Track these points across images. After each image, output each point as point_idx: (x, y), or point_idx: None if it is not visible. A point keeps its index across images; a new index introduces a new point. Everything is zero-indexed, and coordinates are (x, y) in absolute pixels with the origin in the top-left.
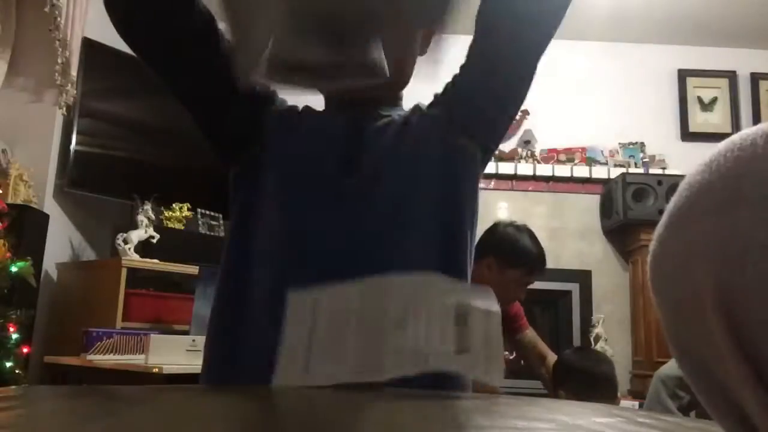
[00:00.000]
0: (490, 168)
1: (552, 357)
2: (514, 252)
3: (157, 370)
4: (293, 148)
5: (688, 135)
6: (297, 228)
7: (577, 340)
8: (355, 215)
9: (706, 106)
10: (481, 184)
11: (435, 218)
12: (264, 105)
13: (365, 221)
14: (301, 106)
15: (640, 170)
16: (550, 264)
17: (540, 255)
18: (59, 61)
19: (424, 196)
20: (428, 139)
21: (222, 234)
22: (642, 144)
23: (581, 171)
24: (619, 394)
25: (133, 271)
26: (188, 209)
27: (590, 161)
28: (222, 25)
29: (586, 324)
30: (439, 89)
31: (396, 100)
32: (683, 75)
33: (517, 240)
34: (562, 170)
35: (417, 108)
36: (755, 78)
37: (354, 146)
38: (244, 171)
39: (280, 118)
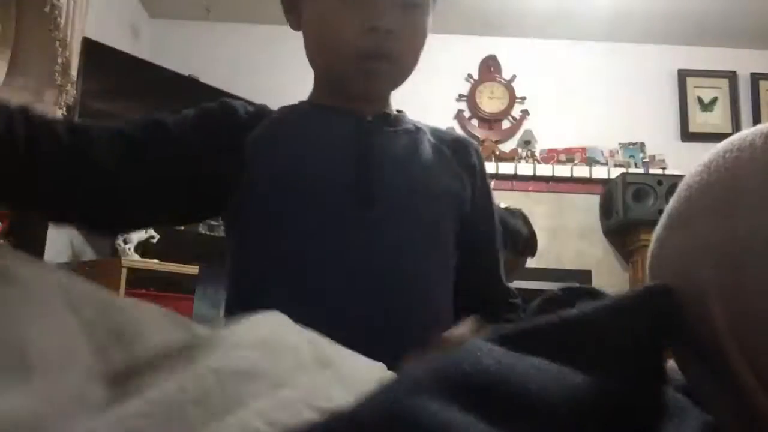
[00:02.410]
0: (490, 168)
1: None
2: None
3: None
4: (299, 167)
5: (688, 135)
6: (315, 251)
7: None
8: (373, 238)
9: (706, 106)
10: None
11: (435, 238)
12: (232, 155)
13: (383, 244)
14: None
15: (640, 170)
16: (551, 264)
17: (530, 237)
18: (59, 61)
19: (429, 222)
20: (439, 175)
21: (222, 234)
22: (642, 144)
23: (581, 171)
24: None
25: (133, 271)
26: None
27: (590, 161)
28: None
29: None
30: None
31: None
32: (683, 75)
33: (506, 222)
34: (562, 170)
35: (420, 130)
36: (755, 78)
37: (365, 165)
38: (240, 200)
39: (269, 140)
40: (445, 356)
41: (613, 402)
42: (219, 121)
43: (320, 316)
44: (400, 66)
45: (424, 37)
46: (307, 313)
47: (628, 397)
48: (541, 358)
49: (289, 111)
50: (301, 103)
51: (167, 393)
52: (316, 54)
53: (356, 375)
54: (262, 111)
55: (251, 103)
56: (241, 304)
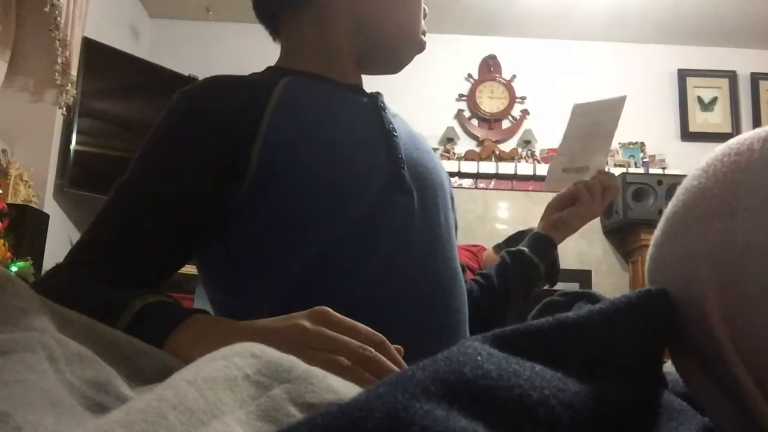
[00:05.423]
0: (490, 168)
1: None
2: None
3: None
4: (340, 155)
5: (688, 135)
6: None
7: None
8: (413, 222)
9: (706, 106)
10: (482, 184)
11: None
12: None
13: (423, 229)
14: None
15: (640, 170)
16: None
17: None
18: (59, 61)
19: (447, 202)
20: (436, 159)
21: None
22: (642, 144)
23: None
24: None
25: None
26: None
27: None
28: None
29: None
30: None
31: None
32: (683, 75)
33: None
34: None
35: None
36: (755, 78)
37: (393, 148)
38: (245, 202)
39: (292, 130)
40: (445, 359)
41: (613, 408)
42: (222, 133)
43: (379, 308)
44: None
45: None
46: (365, 304)
47: (626, 401)
48: (538, 361)
49: (293, 89)
50: (295, 75)
51: (147, 402)
52: (391, 18)
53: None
54: (254, 97)
55: (233, 88)
56: (284, 302)
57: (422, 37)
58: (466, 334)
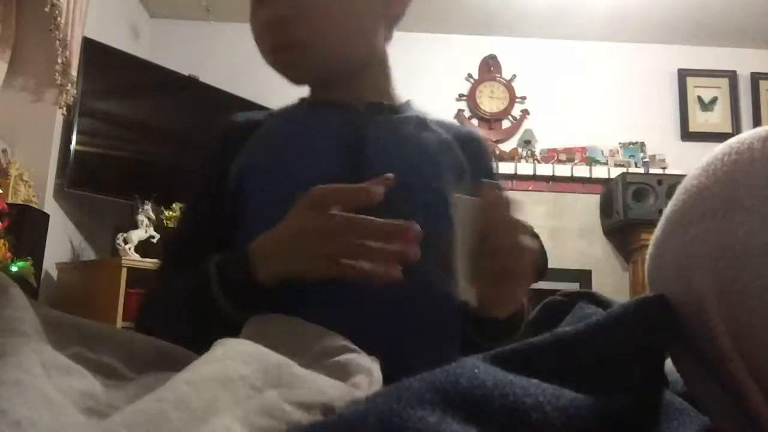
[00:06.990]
0: None
1: None
2: None
3: None
4: (283, 163)
5: (688, 135)
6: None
7: None
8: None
9: (706, 106)
10: None
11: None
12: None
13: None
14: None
15: (640, 170)
16: (551, 264)
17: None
18: (59, 61)
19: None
20: (439, 166)
21: None
22: (642, 144)
23: (581, 171)
24: None
25: (133, 271)
26: None
27: (590, 161)
28: None
29: None
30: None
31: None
32: (683, 75)
33: None
34: (562, 170)
35: (423, 120)
36: (755, 78)
37: (356, 155)
38: (233, 215)
39: (257, 148)
40: (443, 372)
41: (609, 413)
42: (222, 155)
43: (355, 323)
44: (317, 49)
45: (344, 11)
46: (338, 316)
47: (625, 408)
48: (537, 377)
49: (279, 112)
50: (299, 99)
51: (148, 403)
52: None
53: (311, 392)
54: (252, 122)
55: (250, 112)
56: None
57: (274, 55)
58: (457, 335)
